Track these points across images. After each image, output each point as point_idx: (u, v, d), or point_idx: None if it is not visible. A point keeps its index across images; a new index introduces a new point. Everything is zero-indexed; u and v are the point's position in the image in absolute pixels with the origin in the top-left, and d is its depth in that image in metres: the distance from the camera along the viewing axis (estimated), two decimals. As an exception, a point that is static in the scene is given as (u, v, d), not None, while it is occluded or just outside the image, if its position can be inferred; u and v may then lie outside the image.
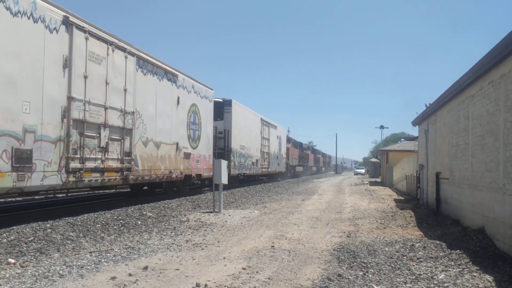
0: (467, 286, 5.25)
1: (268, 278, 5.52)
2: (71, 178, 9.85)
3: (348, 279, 5.46)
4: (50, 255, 6.75)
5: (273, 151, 33.69)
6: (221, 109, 22.09)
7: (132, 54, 12.45)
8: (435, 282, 5.38)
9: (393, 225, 10.53)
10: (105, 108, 11.10)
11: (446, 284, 5.29)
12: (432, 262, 6.49)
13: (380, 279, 5.52)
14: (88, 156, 10.44)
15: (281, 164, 37.74)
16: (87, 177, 10.44)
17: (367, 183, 35.26)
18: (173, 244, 7.77)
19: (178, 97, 15.58)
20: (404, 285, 5.26)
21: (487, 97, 8.45)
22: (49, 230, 8.32)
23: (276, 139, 34.93)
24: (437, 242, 7.99)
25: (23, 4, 8.43)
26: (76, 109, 9.98)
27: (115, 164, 11.60)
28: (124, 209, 11.76)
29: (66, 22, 9.70)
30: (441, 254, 7.01)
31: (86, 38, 10.36)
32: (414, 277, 5.60)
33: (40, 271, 5.68)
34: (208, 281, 5.36)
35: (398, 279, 5.50)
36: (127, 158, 12.11)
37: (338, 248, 7.51)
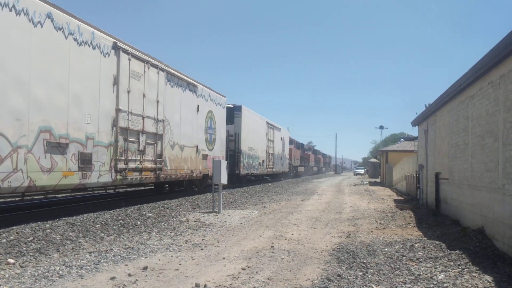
0: (466, 287, 5.25)
1: (268, 279, 5.52)
2: (118, 177, 11.72)
3: (348, 279, 5.46)
4: (50, 255, 6.75)
5: (277, 152, 35.56)
6: (232, 114, 23.97)
7: (163, 70, 14.39)
8: (435, 282, 5.38)
9: (392, 226, 10.54)
10: (143, 117, 13.05)
11: (445, 285, 5.29)
12: (431, 262, 6.49)
13: (379, 279, 5.52)
14: (130, 158, 12.37)
15: (285, 164, 39.62)
16: (130, 175, 12.33)
17: (366, 183, 35.27)
18: (172, 244, 7.77)
19: (198, 105, 17.65)
20: (403, 285, 5.26)
21: (487, 98, 8.45)
22: (48, 230, 8.31)
23: (280, 141, 36.75)
24: (437, 242, 7.99)
25: (85, 35, 10.46)
26: (122, 119, 11.94)
27: (150, 165, 13.47)
28: (124, 209, 11.76)
29: (115, 47, 11.68)
30: (440, 254, 7.02)
31: (129, 59, 12.35)
32: (413, 278, 5.60)
33: (40, 271, 5.68)
34: (208, 281, 5.36)
35: (397, 279, 5.50)
36: (158, 159, 14.01)
37: (337, 248, 7.51)
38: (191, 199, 15.65)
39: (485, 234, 8.21)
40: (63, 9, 9.82)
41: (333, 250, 7.38)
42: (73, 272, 5.69)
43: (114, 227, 9.34)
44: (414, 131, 28.65)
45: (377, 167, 53.31)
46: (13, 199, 13.87)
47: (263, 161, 30.19)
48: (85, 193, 16.95)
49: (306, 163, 63.12)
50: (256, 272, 5.82)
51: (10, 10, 8.40)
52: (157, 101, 13.97)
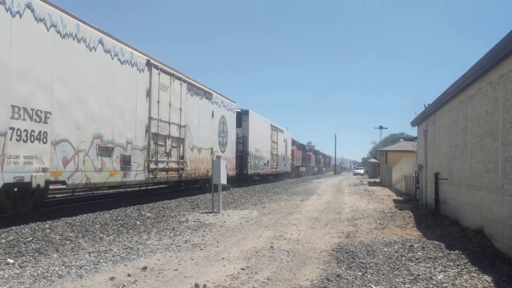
0: (465, 287, 5.26)
1: (267, 279, 5.52)
2: (150, 176, 13.56)
3: (347, 279, 5.46)
4: (49, 255, 6.74)
5: (281, 153, 37.46)
6: (240, 118, 25.73)
7: (184, 81, 16.26)
8: (434, 282, 5.39)
9: (392, 226, 10.54)
10: (169, 124, 14.91)
11: (444, 285, 5.29)
12: (431, 262, 6.49)
13: (379, 279, 5.52)
14: (159, 159, 14.15)
15: (287, 164, 41.61)
16: (159, 175, 14.18)
17: (366, 184, 35.26)
18: (172, 244, 7.77)
19: (213, 111, 19.63)
20: (403, 286, 5.26)
21: (486, 98, 8.46)
22: (48, 230, 8.31)
23: (283, 142, 38.75)
24: (436, 242, 7.99)
25: (126, 55, 12.35)
26: (153, 125, 13.77)
27: (174, 165, 15.30)
28: (123, 210, 11.76)
29: (148, 64, 13.57)
30: (440, 254, 7.02)
31: (159, 73, 14.20)
32: (413, 278, 5.60)
33: (39, 272, 5.68)
34: (207, 281, 5.36)
35: (397, 280, 5.50)
36: (181, 160, 15.84)
37: (337, 248, 7.51)
38: (190, 199, 15.65)
39: (485, 234, 8.22)
40: (110, 34, 11.66)
41: (333, 250, 7.39)
42: (73, 272, 5.69)
43: (114, 227, 9.33)
44: (413, 131, 28.69)
45: (377, 167, 53.35)
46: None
47: (267, 161, 31.92)
48: (85, 193, 16.95)
49: (307, 163, 65.35)
50: (256, 272, 5.82)
51: (74, 39, 10.15)
52: (180, 109, 15.82)
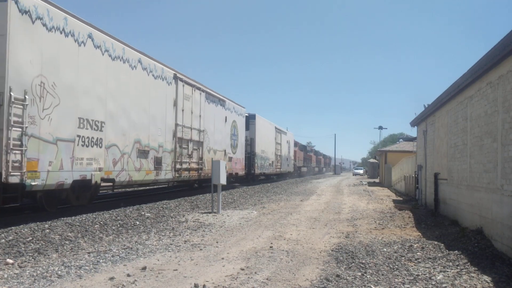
0: (465, 287, 5.26)
1: (267, 279, 5.52)
2: (176, 175, 15.71)
3: (347, 279, 5.46)
4: (49, 255, 6.74)
5: (284, 154, 39.60)
6: (248, 122, 27.61)
7: (203, 91, 18.41)
8: (433, 282, 5.39)
9: (391, 226, 10.54)
10: (191, 129, 17.05)
11: (444, 285, 5.30)
12: (430, 262, 6.50)
13: (378, 279, 5.53)
14: (183, 160, 16.26)
15: (290, 165, 43.94)
16: (183, 174, 16.31)
17: (365, 184, 35.27)
18: (171, 244, 7.76)
19: (226, 117, 21.77)
20: (402, 286, 5.26)
21: (486, 98, 8.46)
22: (47, 230, 8.30)
23: (286, 143, 40.88)
24: (436, 242, 8.00)
25: (159, 71, 14.45)
26: (178, 131, 15.88)
27: (195, 166, 17.40)
28: (123, 210, 11.75)
29: (175, 77, 15.67)
30: (439, 254, 7.02)
31: (183, 85, 16.37)
32: (412, 278, 5.60)
33: (39, 272, 5.68)
34: (207, 281, 5.36)
35: (396, 280, 5.51)
36: (200, 161, 17.97)
37: (336, 248, 7.51)
38: (190, 200, 15.65)
39: (484, 235, 8.22)
40: (146, 54, 13.73)
41: (332, 250, 7.39)
42: (72, 272, 5.69)
43: (113, 227, 9.33)
44: (413, 132, 28.69)
45: (376, 168, 53.35)
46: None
47: (272, 162, 33.97)
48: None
49: (308, 164, 67.82)
50: (255, 273, 5.83)
51: (120, 60, 12.15)
52: (200, 116, 17.93)
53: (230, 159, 22.47)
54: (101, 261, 6.38)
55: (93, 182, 10.86)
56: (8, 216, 10.19)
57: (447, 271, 5.95)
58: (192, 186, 21.68)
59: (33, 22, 8.97)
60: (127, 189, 19.43)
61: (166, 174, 14.86)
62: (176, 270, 5.95)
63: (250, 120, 28.08)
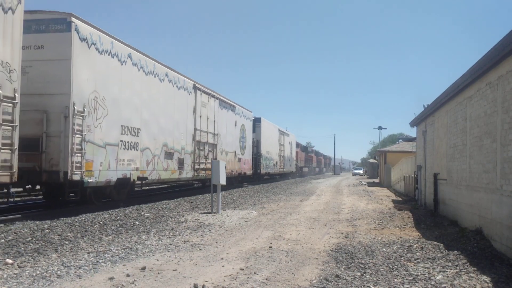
0: (464, 287, 5.27)
1: (266, 279, 5.53)
2: (195, 174, 17.76)
3: (346, 279, 5.47)
4: (48, 255, 6.74)
5: (287, 155, 41.68)
6: (254, 125, 29.46)
7: (217, 98, 20.57)
8: (433, 283, 5.40)
9: (391, 226, 10.55)
10: (207, 133, 19.07)
11: (443, 285, 5.30)
12: (429, 263, 6.50)
13: (377, 279, 5.53)
14: (200, 161, 18.27)
15: (292, 165, 46.25)
16: (200, 173, 18.36)
17: (365, 184, 35.28)
18: (171, 244, 7.77)
19: (236, 121, 23.92)
20: (401, 286, 5.27)
21: (485, 98, 8.47)
22: (47, 230, 8.30)
23: (289, 145, 43.02)
24: (435, 243, 8.00)
25: (181, 83, 16.49)
26: (197, 135, 17.87)
27: (210, 166, 17.80)
28: (122, 210, 11.74)
29: (194, 87, 17.70)
30: (438, 255, 7.03)
31: (201, 94, 18.41)
32: (411, 278, 5.61)
33: (38, 272, 5.68)
34: (206, 281, 5.36)
35: (395, 280, 5.51)
36: None
37: (336, 248, 7.52)
38: (189, 200, 15.64)
39: (483, 235, 8.23)
40: (172, 68, 15.80)
41: (332, 250, 7.39)
42: (72, 273, 5.69)
43: (113, 228, 9.33)
44: (412, 132, 28.70)
45: (376, 168, 53.33)
46: (11, 199, 13.80)
47: (276, 162, 36.01)
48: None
49: (309, 164, 70.63)
50: (255, 273, 5.83)
51: (152, 75, 14.12)
52: (214, 121, 19.98)
53: (239, 159, 24.49)
54: (100, 261, 6.38)
55: (131, 180, 12.81)
56: (7, 216, 10.19)
57: (447, 271, 5.96)
58: (204, 184, 22.82)
59: (89, 47, 10.87)
60: (151, 187, 21.88)
61: (187, 173, 16.93)
62: (176, 270, 5.96)
63: (256, 123, 29.84)
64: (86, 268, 5.95)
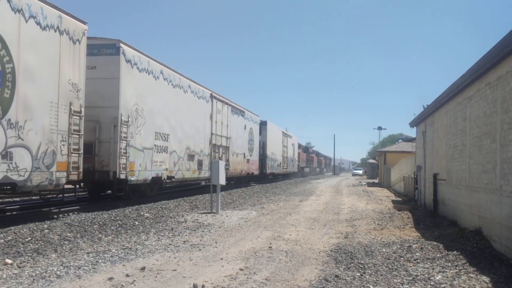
0: (463, 287, 5.27)
1: (266, 279, 5.53)
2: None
3: (345, 280, 5.47)
4: (47, 255, 6.74)
5: (290, 156, 43.41)
6: (260, 128, 31.35)
7: (229, 105, 22.70)
8: (432, 283, 5.40)
9: (390, 226, 10.55)
10: (221, 137, 21.10)
11: (443, 285, 5.31)
12: (429, 263, 6.50)
13: (377, 280, 5.53)
14: None
15: (295, 165, 47.84)
16: None
17: (365, 184, 35.29)
18: (170, 244, 7.76)
19: (245, 125, 26.01)
20: (401, 286, 5.27)
21: (484, 99, 8.47)
22: (46, 230, 8.30)
23: (291, 146, 44.76)
24: (434, 243, 8.00)
25: (200, 93, 18.38)
26: (213, 138, 19.81)
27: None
28: (122, 210, 11.75)
29: (211, 96, 19.74)
30: (438, 255, 7.03)
31: (216, 102, 20.40)
32: (411, 278, 5.61)
33: (37, 272, 5.68)
34: (206, 281, 5.36)
35: (395, 280, 5.51)
36: (227, 162, 21.64)
37: (335, 249, 7.52)
38: (189, 200, 15.64)
39: (483, 235, 8.23)
40: (194, 80, 17.62)
41: (331, 250, 7.39)
42: (71, 273, 5.69)
43: (112, 228, 9.33)
44: (412, 132, 28.69)
45: (375, 168, 53.35)
46: (10, 200, 13.84)
47: (280, 163, 37.89)
48: (84, 193, 16.88)
49: (310, 165, 73.09)
50: (254, 273, 5.83)
51: (178, 87, 16.09)
52: (227, 125, 22.01)
53: (248, 161, 26.69)
54: (100, 261, 6.38)
55: (162, 178, 14.74)
56: (7, 216, 10.18)
57: (446, 272, 5.96)
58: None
59: (132, 67, 12.80)
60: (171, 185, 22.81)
61: (205, 173, 18.85)
62: (175, 270, 5.96)
63: (262, 126, 31.84)
64: (86, 268, 5.95)
